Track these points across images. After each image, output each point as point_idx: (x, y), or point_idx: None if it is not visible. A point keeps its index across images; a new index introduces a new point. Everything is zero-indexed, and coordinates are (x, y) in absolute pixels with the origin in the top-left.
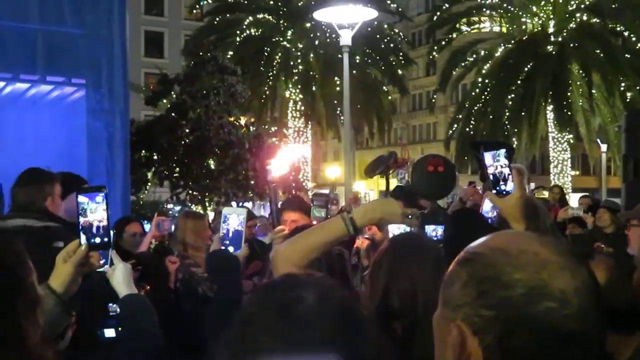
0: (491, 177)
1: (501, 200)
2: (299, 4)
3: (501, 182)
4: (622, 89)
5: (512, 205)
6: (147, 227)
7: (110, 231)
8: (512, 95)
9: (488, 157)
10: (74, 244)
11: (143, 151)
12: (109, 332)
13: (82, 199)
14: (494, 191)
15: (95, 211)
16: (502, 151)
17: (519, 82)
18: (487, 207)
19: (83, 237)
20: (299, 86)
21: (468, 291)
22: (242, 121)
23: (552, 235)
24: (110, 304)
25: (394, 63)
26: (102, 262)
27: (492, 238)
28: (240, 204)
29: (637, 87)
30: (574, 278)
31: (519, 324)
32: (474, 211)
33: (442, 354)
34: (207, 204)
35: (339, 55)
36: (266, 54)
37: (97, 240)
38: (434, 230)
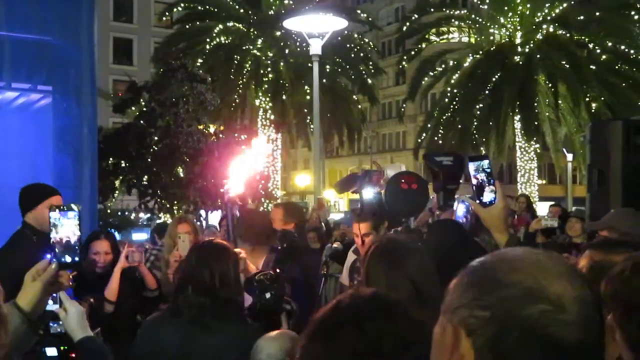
0: (474, 187)
1: (485, 211)
2: (269, 13)
3: (484, 193)
4: (587, 99)
5: (495, 215)
6: (117, 235)
7: (78, 251)
8: (480, 105)
9: (471, 167)
10: (44, 263)
11: (111, 159)
12: (51, 351)
13: (54, 215)
14: (477, 201)
15: (67, 229)
16: (485, 162)
17: (486, 91)
18: (460, 213)
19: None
20: (269, 94)
21: (467, 294)
22: (212, 129)
23: None
24: (52, 323)
25: (363, 72)
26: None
27: (495, 252)
28: (210, 212)
29: (602, 98)
30: (574, 288)
31: (512, 326)
32: (451, 220)
33: (437, 358)
34: (175, 212)
35: (309, 64)
36: (236, 62)
37: (68, 259)
38: None
